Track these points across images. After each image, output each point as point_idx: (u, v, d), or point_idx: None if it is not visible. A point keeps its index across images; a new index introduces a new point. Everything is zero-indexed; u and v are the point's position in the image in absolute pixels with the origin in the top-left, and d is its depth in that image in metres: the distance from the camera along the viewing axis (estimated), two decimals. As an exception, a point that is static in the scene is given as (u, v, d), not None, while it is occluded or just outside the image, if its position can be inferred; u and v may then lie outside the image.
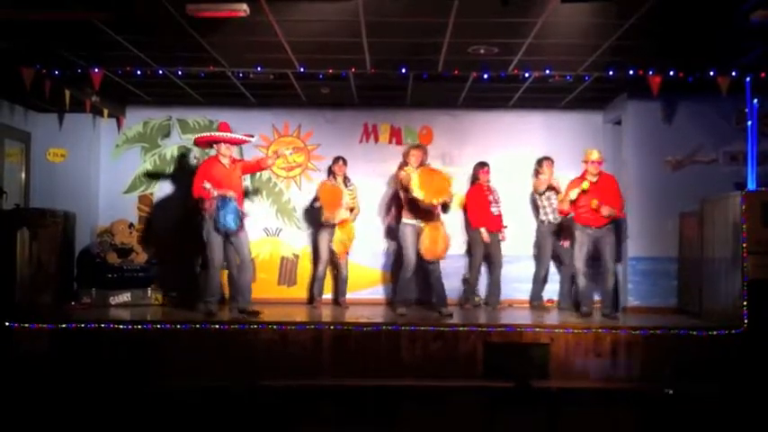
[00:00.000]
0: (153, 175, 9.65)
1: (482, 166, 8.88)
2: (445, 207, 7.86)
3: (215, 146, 7.76)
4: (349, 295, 8.85)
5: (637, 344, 6.86)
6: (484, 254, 8.88)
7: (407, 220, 7.75)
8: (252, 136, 8.26)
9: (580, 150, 8.35)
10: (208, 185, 7.32)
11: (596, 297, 8.34)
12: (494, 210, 8.76)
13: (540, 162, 8.85)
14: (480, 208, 8.73)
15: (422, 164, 7.82)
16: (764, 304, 6.89)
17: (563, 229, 8.65)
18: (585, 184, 7.67)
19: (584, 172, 7.84)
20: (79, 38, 6.68)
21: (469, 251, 9.04)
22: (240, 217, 7.45)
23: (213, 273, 7.63)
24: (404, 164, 7.94)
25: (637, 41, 6.67)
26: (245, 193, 8.41)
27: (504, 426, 6.19)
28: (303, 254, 9.57)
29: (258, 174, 9.23)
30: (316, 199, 8.80)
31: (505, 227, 8.93)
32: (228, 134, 7.71)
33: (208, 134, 7.91)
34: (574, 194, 7.68)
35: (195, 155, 9.61)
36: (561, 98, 9.08)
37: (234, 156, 7.87)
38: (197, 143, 8.10)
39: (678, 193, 8.60)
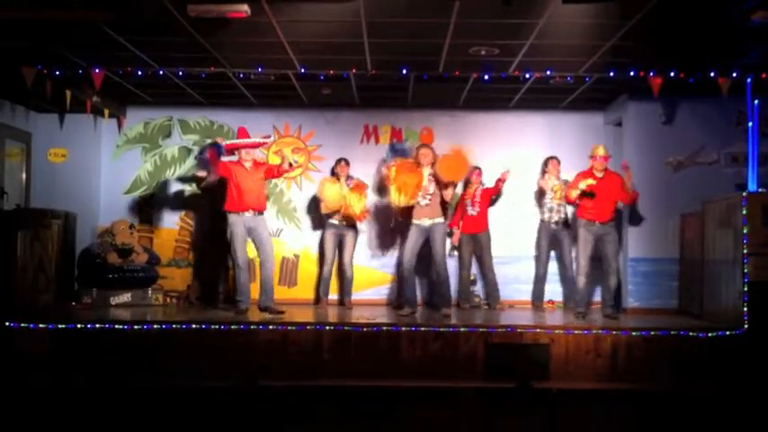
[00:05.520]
0: (154, 176, 9.66)
1: (474, 169, 8.89)
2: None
3: (236, 152, 7.85)
4: (352, 296, 8.90)
5: (637, 345, 6.86)
6: (472, 254, 8.99)
7: (415, 220, 7.75)
8: (269, 136, 8.29)
9: (581, 151, 8.38)
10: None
11: (593, 298, 8.41)
12: (470, 211, 8.79)
13: (546, 162, 8.88)
14: (457, 210, 8.88)
15: (433, 163, 7.78)
16: (765, 305, 6.89)
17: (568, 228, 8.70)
18: (586, 183, 7.58)
19: (590, 168, 7.84)
20: (80, 38, 6.69)
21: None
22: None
23: (240, 272, 7.76)
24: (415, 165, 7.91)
25: (638, 42, 6.67)
26: (267, 196, 8.44)
27: (504, 426, 6.20)
28: (303, 254, 9.58)
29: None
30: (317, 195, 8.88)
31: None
32: (246, 140, 7.79)
33: (228, 142, 8.01)
34: (583, 185, 7.59)
35: (195, 155, 9.62)
36: (562, 99, 9.09)
37: (256, 158, 7.99)
38: None
39: (679, 195, 8.60)
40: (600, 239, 7.73)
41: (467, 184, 8.92)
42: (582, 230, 7.80)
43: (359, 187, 8.63)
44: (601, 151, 7.78)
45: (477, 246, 8.93)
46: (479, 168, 8.92)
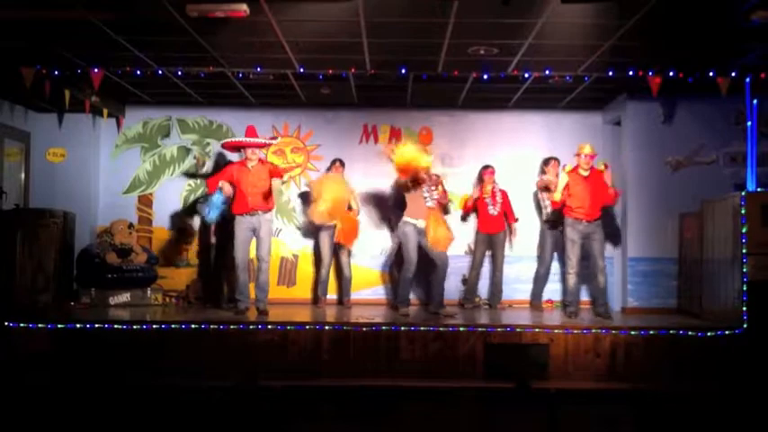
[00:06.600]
0: (152, 176, 9.65)
1: (485, 168, 8.94)
2: (445, 209, 7.93)
3: (242, 150, 7.94)
4: (351, 295, 8.91)
5: (636, 344, 6.86)
6: (485, 254, 8.97)
7: (408, 219, 7.76)
8: (275, 138, 8.33)
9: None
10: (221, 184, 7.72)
11: (583, 297, 8.44)
12: (491, 211, 8.78)
13: (546, 162, 8.89)
14: (468, 211, 8.95)
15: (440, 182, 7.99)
16: (764, 305, 6.89)
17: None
18: (568, 167, 7.84)
19: (575, 166, 7.85)
20: (79, 38, 6.68)
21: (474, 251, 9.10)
22: (222, 212, 7.90)
23: (240, 272, 7.83)
24: None
25: (637, 42, 6.68)
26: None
27: (503, 426, 6.18)
28: (302, 254, 9.58)
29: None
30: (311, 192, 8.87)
31: (515, 220, 9.02)
32: (253, 139, 7.85)
33: (234, 140, 8.18)
34: (562, 182, 7.70)
35: (195, 154, 9.62)
36: (561, 98, 9.08)
37: (262, 157, 8.12)
38: (224, 147, 8.38)
39: (678, 194, 8.61)
40: (587, 238, 7.72)
41: (480, 183, 8.95)
42: (569, 229, 7.78)
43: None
44: (587, 149, 7.78)
45: (491, 245, 8.92)
46: (491, 167, 8.93)
